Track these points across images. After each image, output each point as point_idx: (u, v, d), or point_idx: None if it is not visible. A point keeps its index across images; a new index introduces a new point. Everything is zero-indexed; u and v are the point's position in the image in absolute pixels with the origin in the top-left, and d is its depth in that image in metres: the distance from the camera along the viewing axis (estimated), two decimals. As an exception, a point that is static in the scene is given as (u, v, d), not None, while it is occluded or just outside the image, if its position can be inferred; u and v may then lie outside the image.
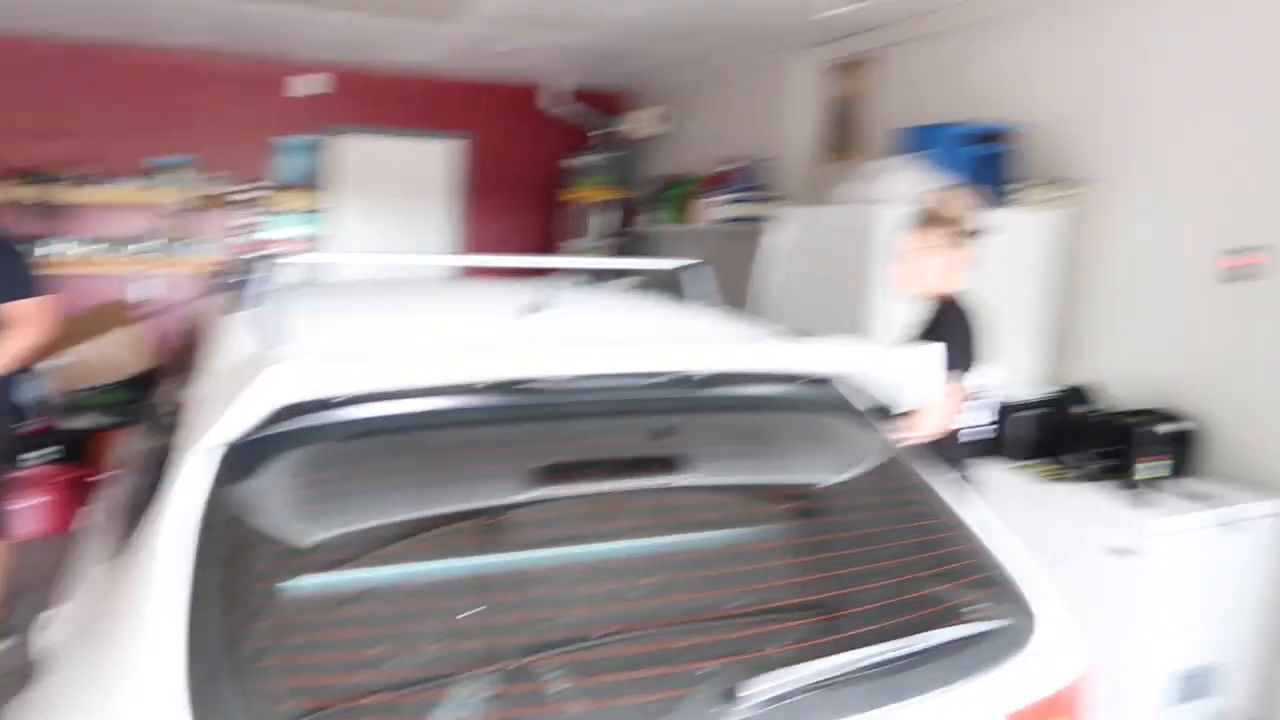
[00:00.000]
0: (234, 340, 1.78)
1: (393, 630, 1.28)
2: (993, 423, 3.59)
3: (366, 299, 2.24)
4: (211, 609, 1.23)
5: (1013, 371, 3.77)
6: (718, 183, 5.85)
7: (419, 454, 1.52)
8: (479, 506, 1.48)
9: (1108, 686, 2.88)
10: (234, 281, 2.13)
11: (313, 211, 6.91)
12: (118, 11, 5.13)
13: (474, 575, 1.38)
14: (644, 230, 6.88)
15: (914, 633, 1.39)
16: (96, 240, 6.26)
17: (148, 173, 6.40)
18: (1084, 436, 3.34)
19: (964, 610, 1.50)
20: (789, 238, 4.06)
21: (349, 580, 1.32)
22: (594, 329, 1.93)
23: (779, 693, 1.23)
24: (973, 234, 2.95)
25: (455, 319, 1.98)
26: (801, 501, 1.72)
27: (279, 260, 2.09)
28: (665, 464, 1.64)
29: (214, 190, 6.52)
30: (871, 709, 1.30)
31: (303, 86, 6.74)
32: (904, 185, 3.47)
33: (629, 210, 7.12)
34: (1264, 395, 3.16)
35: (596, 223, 7.19)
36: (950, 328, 2.82)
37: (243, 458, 1.42)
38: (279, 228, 6.84)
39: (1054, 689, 1.47)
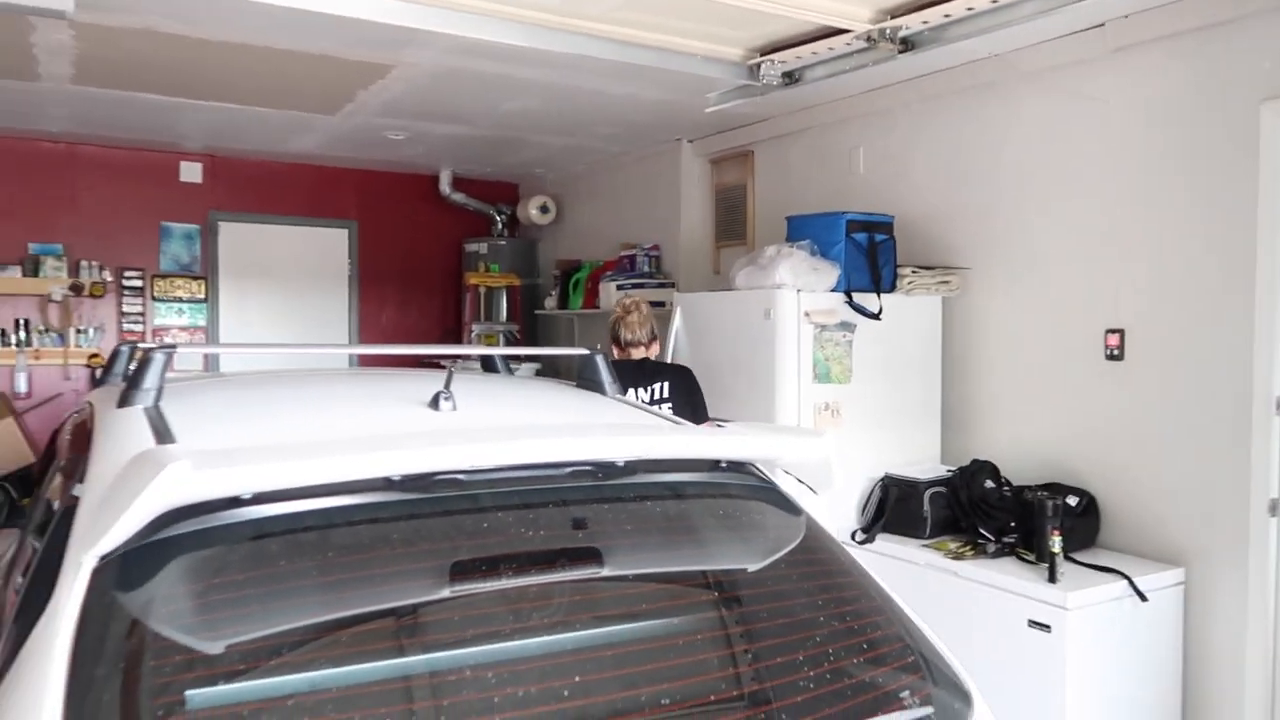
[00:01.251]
0: (121, 438, 1.71)
1: None
2: (882, 499, 3.71)
3: (261, 391, 2.19)
4: None
5: (906, 450, 3.93)
6: (616, 268, 5.97)
7: (326, 553, 1.48)
8: (384, 608, 1.44)
9: None
10: (120, 373, 2.06)
11: (199, 299, 6.73)
12: (-8, 99, 4.99)
13: (375, 680, 1.34)
14: (548, 314, 6.93)
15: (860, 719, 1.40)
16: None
17: (29, 260, 6.15)
18: (990, 511, 3.47)
19: (903, 695, 1.52)
20: (688, 321, 4.16)
21: (245, 691, 1.26)
22: (498, 419, 1.92)
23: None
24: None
25: (355, 411, 1.95)
26: (726, 588, 1.73)
27: (169, 350, 2.03)
28: (582, 555, 1.62)
29: (97, 278, 6.29)
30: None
31: (187, 174, 6.62)
32: (790, 271, 3.61)
33: (530, 295, 7.17)
34: (1149, 468, 3.34)
35: (496, 308, 7.19)
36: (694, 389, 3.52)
37: (135, 563, 1.36)
38: (166, 315, 6.63)
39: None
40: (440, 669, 1.37)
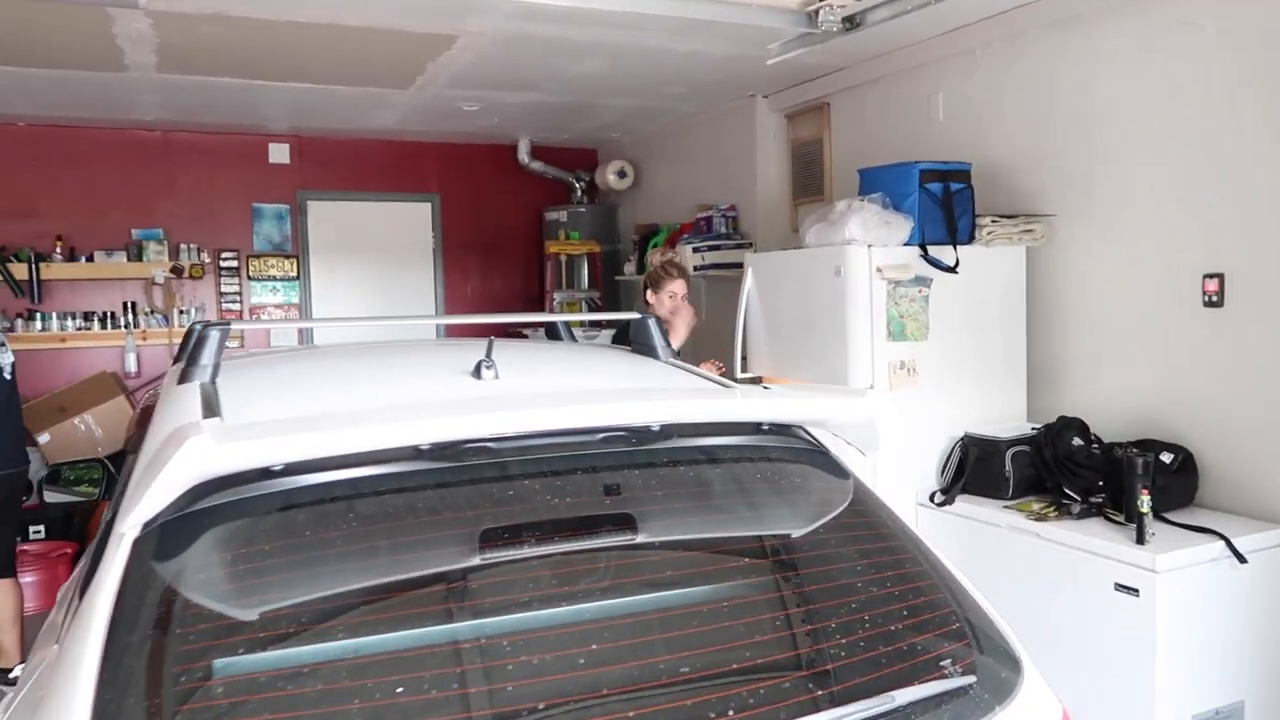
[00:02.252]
0: (173, 413, 1.77)
1: (324, 710, 1.25)
2: (961, 459, 3.59)
3: (318, 364, 2.24)
4: (134, 697, 1.20)
5: (988, 408, 3.78)
6: (692, 231, 5.90)
7: (355, 523, 1.50)
8: (410, 576, 1.46)
9: None
10: (185, 351, 2.13)
11: (292, 277, 6.95)
12: (88, 94, 5.21)
13: (404, 647, 1.35)
14: (628, 280, 6.92)
15: (895, 688, 1.35)
16: (87, 313, 6.29)
17: (133, 245, 6.46)
18: (1076, 470, 3.32)
19: (945, 663, 1.46)
20: (760, 282, 4.08)
21: (273, 659, 1.29)
22: (538, 386, 1.91)
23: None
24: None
25: (402, 381, 1.97)
26: (764, 554, 1.69)
27: (223, 328, 2.09)
28: (614, 522, 1.61)
29: (196, 260, 6.57)
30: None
31: (275, 155, 6.82)
32: (859, 225, 3.49)
33: (610, 262, 7.16)
34: (1252, 422, 3.13)
35: (578, 276, 7.22)
36: None
37: (172, 534, 1.41)
38: (261, 294, 6.88)
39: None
40: (468, 637, 1.38)
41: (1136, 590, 2.79)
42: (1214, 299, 3.22)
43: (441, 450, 1.53)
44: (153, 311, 6.48)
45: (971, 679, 1.43)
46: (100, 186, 6.38)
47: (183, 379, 1.98)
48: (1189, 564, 2.79)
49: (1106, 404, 3.61)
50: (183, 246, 6.56)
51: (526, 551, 1.52)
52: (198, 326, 2.09)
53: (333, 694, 1.25)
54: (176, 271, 6.48)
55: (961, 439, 3.61)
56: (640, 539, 1.59)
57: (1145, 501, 2.85)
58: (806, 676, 1.40)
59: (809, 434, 1.89)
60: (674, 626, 1.46)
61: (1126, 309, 3.55)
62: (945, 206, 3.55)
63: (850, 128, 5.04)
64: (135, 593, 1.33)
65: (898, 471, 3.62)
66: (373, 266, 7.20)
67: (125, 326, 6.35)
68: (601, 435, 1.64)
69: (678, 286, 4.06)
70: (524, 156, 7.20)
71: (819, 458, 1.84)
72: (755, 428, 1.78)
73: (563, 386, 1.93)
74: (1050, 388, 3.85)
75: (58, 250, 6.24)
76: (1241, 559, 2.83)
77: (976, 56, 4.16)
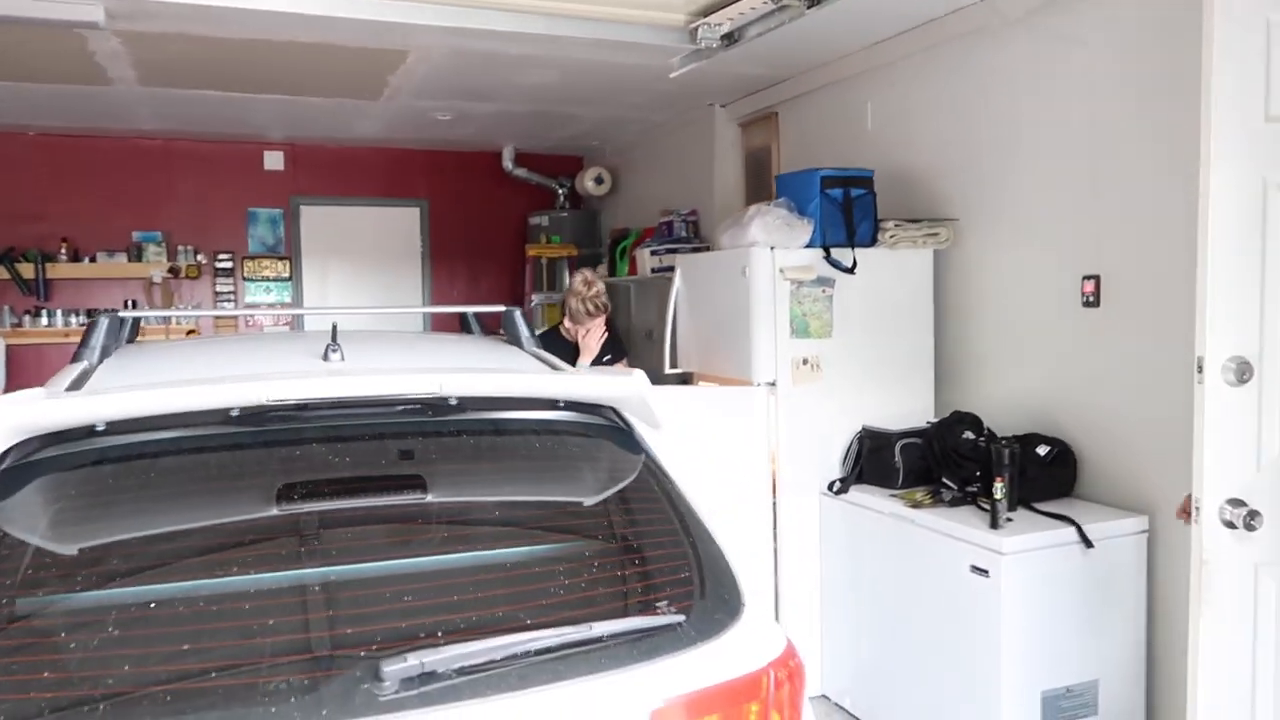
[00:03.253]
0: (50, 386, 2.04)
1: (107, 646, 1.47)
2: (859, 451, 3.77)
3: (206, 349, 2.50)
4: None
5: (896, 403, 3.96)
6: (655, 235, 6.12)
7: (166, 478, 1.76)
8: (208, 525, 1.70)
9: (978, 705, 3.00)
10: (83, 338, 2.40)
11: (285, 278, 7.29)
12: (86, 106, 5.58)
13: (194, 595, 1.55)
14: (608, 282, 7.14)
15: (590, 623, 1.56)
16: (90, 311, 6.67)
17: (133, 247, 6.84)
18: (961, 461, 3.49)
19: (660, 605, 1.67)
20: (687, 283, 4.30)
21: (83, 599, 1.52)
22: (372, 365, 2.15)
23: (419, 672, 1.40)
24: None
25: (258, 363, 2.22)
26: (543, 515, 1.91)
27: (114, 315, 2.37)
28: (408, 483, 1.85)
29: (192, 261, 6.93)
30: (528, 688, 1.46)
31: (270, 162, 7.17)
32: (762, 228, 3.70)
33: (590, 265, 7.40)
34: (1123, 417, 3.28)
35: (559, 279, 7.48)
36: None
37: (9, 481, 1.67)
38: (255, 293, 7.23)
39: (727, 678, 1.60)
40: (251, 589, 1.59)
41: (987, 571, 2.96)
42: (1091, 299, 3.38)
43: (250, 417, 1.78)
44: (154, 309, 6.85)
45: (680, 618, 1.64)
46: (104, 191, 6.77)
47: (74, 359, 2.26)
48: (1035, 547, 2.96)
49: (1001, 400, 3.78)
50: (180, 248, 6.93)
51: (316, 507, 1.76)
52: (97, 316, 2.37)
53: (127, 638, 1.47)
54: (174, 272, 6.85)
55: (859, 432, 3.79)
56: (428, 499, 1.82)
57: (1000, 488, 3.02)
58: (533, 610, 1.61)
59: (615, 413, 2.10)
60: (438, 577, 1.68)
61: (1018, 309, 3.71)
62: (845, 211, 3.74)
63: (795, 136, 5.24)
64: None
65: (802, 461, 3.81)
66: (363, 268, 7.52)
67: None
68: (400, 407, 1.88)
69: (596, 325, 4.24)
70: (508, 163, 7.48)
71: (615, 434, 2.05)
72: (552, 404, 2.01)
73: (397, 366, 2.16)
74: (956, 384, 4.02)
75: (63, 251, 6.64)
76: (1088, 544, 2.99)
77: (898, 68, 4.34)
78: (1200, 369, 2.10)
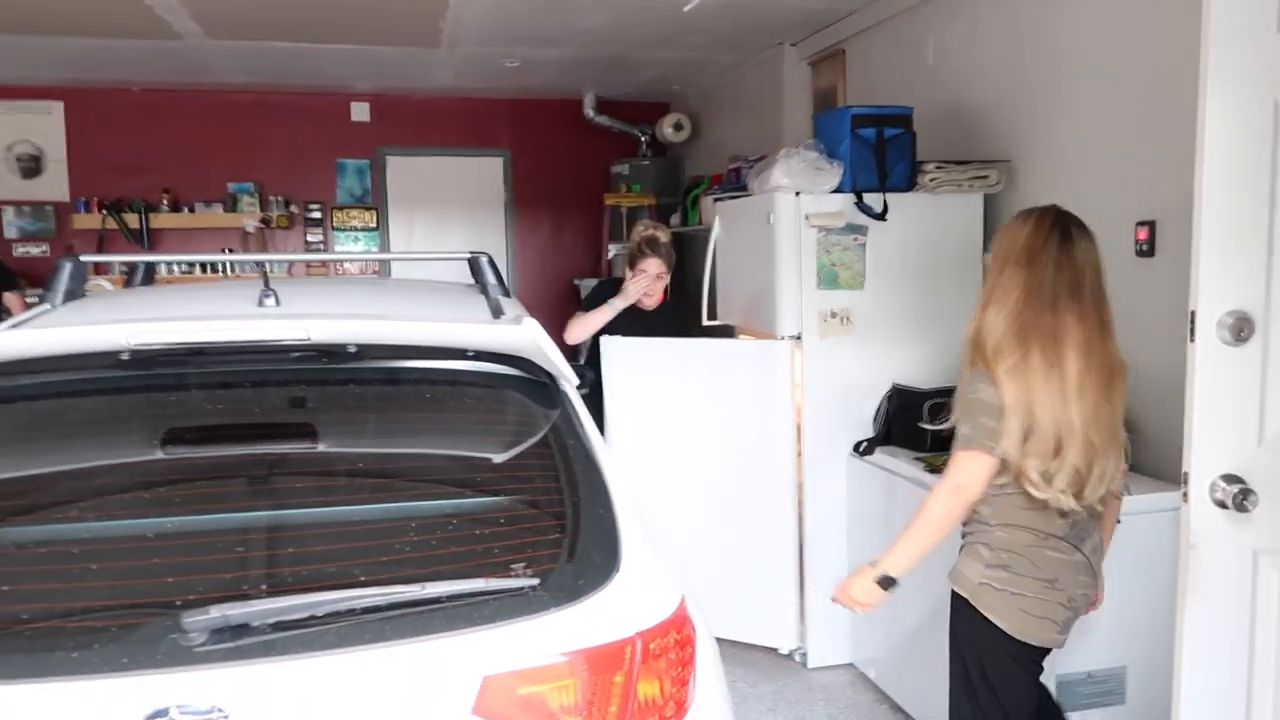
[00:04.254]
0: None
1: None
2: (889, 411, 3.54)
3: (165, 295, 2.52)
4: None
5: (937, 359, 3.69)
6: (722, 182, 5.90)
7: (51, 418, 1.77)
8: (94, 466, 1.71)
9: None
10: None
11: (372, 228, 7.46)
12: (179, 61, 5.80)
13: (74, 538, 1.57)
14: (675, 231, 6.98)
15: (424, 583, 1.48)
16: (191, 259, 7.02)
17: (228, 198, 7.13)
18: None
19: (515, 567, 1.57)
20: (726, 230, 4.11)
21: None
22: (303, 312, 2.11)
23: (223, 625, 1.36)
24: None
25: (196, 308, 2.22)
26: (427, 467, 1.84)
27: (75, 260, 2.42)
28: (287, 432, 1.80)
29: (283, 211, 7.18)
30: (348, 647, 1.40)
31: (357, 113, 7.31)
32: (785, 172, 3.47)
33: (668, 214, 7.25)
34: (1173, 379, 2.94)
35: (633, 227, 7.35)
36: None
37: None
38: (344, 243, 7.43)
39: (581, 646, 1.49)
40: (89, 534, 1.57)
41: (997, 544, 2.71)
42: (1145, 248, 3.02)
43: (141, 360, 1.77)
44: (247, 256, 7.13)
45: (534, 582, 1.54)
46: (201, 144, 7.06)
47: (41, 301, 2.33)
48: (1049, 521, 2.68)
49: (1049, 359, 3.44)
50: (272, 198, 7.18)
51: (199, 452, 1.74)
52: (69, 260, 2.43)
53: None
54: (265, 222, 7.11)
55: (888, 390, 3.55)
56: (304, 449, 1.77)
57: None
58: (376, 567, 1.54)
59: (535, 365, 1.99)
60: (286, 530, 1.63)
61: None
62: (878, 152, 3.47)
63: (861, 74, 4.91)
64: None
65: (829, 420, 3.61)
66: (447, 218, 7.61)
67: (219, 270, 7.03)
68: (296, 354, 1.83)
69: (650, 265, 3.94)
70: (589, 111, 7.36)
71: (527, 387, 1.94)
72: (460, 354, 1.92)
73: (314, 310, 2.12)
74: (1007, 342, 3.69)
75: (164, 202, 6.98)
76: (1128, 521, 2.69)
77: (962, -5, 3.98)
78: (1192, 325, 1.81)
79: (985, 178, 3.58)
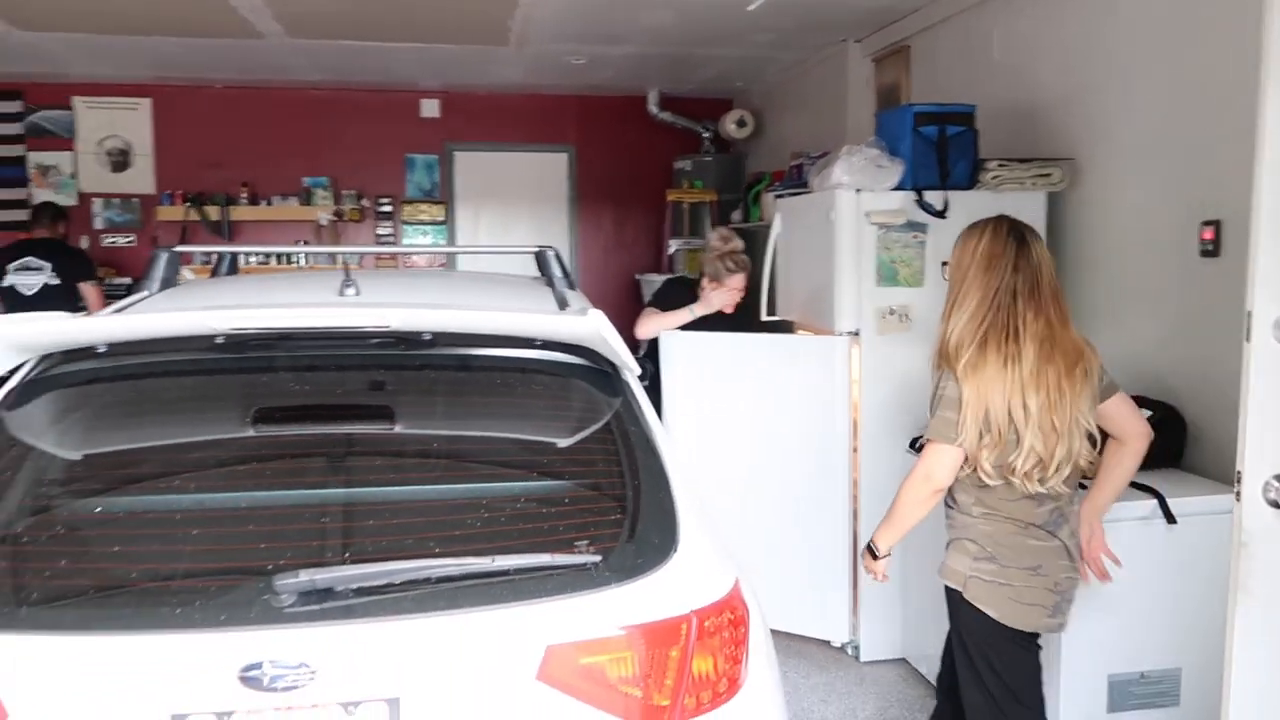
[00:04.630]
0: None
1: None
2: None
3: (254, 284, 2.68)
4: None
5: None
6: (783, 180, 5.94)
7: (154, 396, 1.92)
8: (190, 441, 1.85)
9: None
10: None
11: (440, 221, 7.64)
12: (260, 59, 6.04)
13: (172, 507, 1.70)
14: (736, 228, 7.03)
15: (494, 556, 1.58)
16: (266, 250, 7.28)
17: (303, 192, 7.38)
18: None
19: (579, 545, 1.66)
20: (786, 227, 4.16)
21: (88, 504, 1.70)
22: (381, 300, 2.23)
23: (310, 588, 1.47)
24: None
25: (283, 296, 2.36)
26: (499, 449, 1.95)
27: (172, 251, 2.58)
28: (367, 413, 1.93)
29: (355, 205, 7.40)
30: (423, 613, 1.51)
31: (426, 110, 7.49)
32: (845, 170, 3.51)
33: (724, 210, 7.30)
34: (1239, 381, 2.92)
35: (700, 224, 7.42)
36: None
37: (27, 392, 1.87)
38: (412, 236, 7.63)
39: (640, 621, 1.57)
40: (191, 504, 1.71)
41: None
42: (1210, 248, 3.00)
43: (232, 343, 1.91)
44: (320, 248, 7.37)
45: (596, 559, 1.63)
46: (278, 139, 7.32)
47: (138, 289, 2.49)
48: (1106, 519, 2.69)
49: (1108, 359, 3.42)
50: (344, 192, 7.41)
51: (287, 430, 1.87)
52: (156, 251, 2.59)
53: (77, 537, 1.64)
54: (338, 215, 7.34)
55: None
56: (381, 429, 1.89)
57: (1076, 454, 2.77)
58: (449, 541, 1.65)
59: (599, 355, 2.08)
60: (366, 504, 1.75)
61: (1132, 259, 3.35)
62: (940, 150, 3.48)
63: (925, 70, 4.91)
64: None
65: (886, 416, 3.64)
66: (512, 212, 7.76)
67: (293, 261, 7.27)
68: (375, 340, 1.95)
69: (737, 281, 3.98)
70: (653, 107, 7.44)
71: (591, 375, 2.03)
72: (528, 343, 2.02)
73: (391, 300, 2.23)
74: (1069, 341, 3.68)
75: (244, 195, 7.25)
76: (1171, 519, 2.70)
77: (1028, -8, 3.97)
78: (1249, 325, 1.82)
79: (1048, 175, 3.58)
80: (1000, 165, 3.55)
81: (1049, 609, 2.29)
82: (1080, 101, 3.63)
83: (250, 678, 1.42)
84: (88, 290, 5.67)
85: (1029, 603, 2.26)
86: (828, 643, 3.79)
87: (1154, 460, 3.00)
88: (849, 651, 3.77)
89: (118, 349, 1.90)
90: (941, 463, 2.26)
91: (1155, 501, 2.72)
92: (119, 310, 2.17)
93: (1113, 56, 3.45)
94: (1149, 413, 3.05)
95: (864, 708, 3.39)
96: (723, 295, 4.01)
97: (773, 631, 1.92)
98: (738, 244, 4.08)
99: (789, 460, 3.78)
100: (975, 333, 2.24)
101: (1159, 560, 2.74)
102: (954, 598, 2.36)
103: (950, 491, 2.40)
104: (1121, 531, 2.71)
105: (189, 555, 1.58)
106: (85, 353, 1.90)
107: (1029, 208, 3.64)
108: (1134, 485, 2.83)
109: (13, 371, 1.90)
